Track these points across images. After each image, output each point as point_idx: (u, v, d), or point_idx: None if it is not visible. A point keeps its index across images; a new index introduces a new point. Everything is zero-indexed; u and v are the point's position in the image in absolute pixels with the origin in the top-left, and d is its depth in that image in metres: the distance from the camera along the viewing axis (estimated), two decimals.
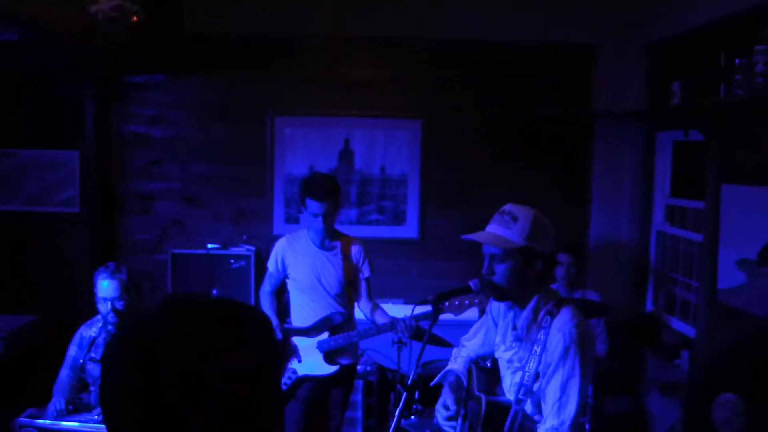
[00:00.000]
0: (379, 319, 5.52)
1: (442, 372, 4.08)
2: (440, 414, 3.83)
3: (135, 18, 5.49)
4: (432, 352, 5.96)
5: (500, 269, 3.49)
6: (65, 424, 5.04)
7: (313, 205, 5.30)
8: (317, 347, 5.49)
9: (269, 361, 1.41)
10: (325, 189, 5.34)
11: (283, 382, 5.53)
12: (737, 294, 5.31)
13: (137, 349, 1.31)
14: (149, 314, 1.38)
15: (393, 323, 5.34)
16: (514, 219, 3.48)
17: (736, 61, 4.90)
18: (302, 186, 5.41)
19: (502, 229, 3.48)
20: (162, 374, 1.27)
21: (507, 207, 3.55)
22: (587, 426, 5.73)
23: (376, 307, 5.65)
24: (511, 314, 3.68)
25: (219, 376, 1.29)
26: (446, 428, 3.84)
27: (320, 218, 5.34)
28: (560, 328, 3.44)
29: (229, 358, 1.31)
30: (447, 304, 4.77)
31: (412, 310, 4.81)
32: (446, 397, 3.83)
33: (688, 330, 6.28)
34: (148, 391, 1.27)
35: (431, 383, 4.15)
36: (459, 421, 3.77)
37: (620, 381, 6.72)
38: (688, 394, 5.16)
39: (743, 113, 5.22)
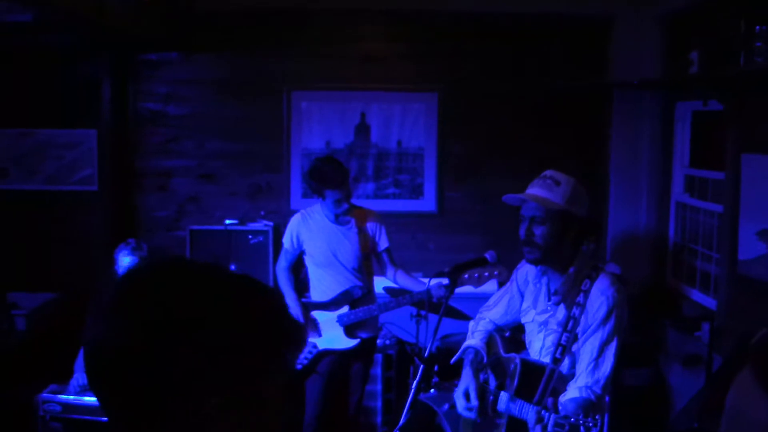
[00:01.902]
0: (408, 284, 5.53)
1: (461, 349, 4.08)
2: (459, 402, 3.83)
3: None
4: (451, 326, 5.97)
5: (540, 231, 3.54)
6: (88, 399, 5.08)
7: (334, 194, 5.33)
8: (337, 321, 5.51)
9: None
10: (342, 176, 5.38)
11: (303, 356, 5.56)
12: (758, 265, 5.27)
13: (131, 300, 1.29)
14: (151, 269, 1.38)
15: (430, 290, 5.25)
16: (557, 183, 3.55)
17: (756, 28, 4.84)
18: (316, 178, 5.39)
19: (545, 192, 3.54)
20: (153, 330, 1.25)
21: (548, 172, 3.63)
22: (607, 398, 5.72)
23: (402, 272, 5.66)
24: (545, 279, 3.70)
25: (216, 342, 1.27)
26: (465, 414, 3.85)
27: (343, 202, 5.38)
28: (603, 291, 3.49)
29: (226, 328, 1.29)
30: (466, 276, 4.79)
31: (428, 283, 4.81)
32: (468, 385, 3.83)
33: (709, 302, 6.24)
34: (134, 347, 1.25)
35: (452, 361, 4.15)
36: (476, 407, 3.76)
37: (640, 353, 6.70)
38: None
39: (764, 81, 5.16)
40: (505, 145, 7.49)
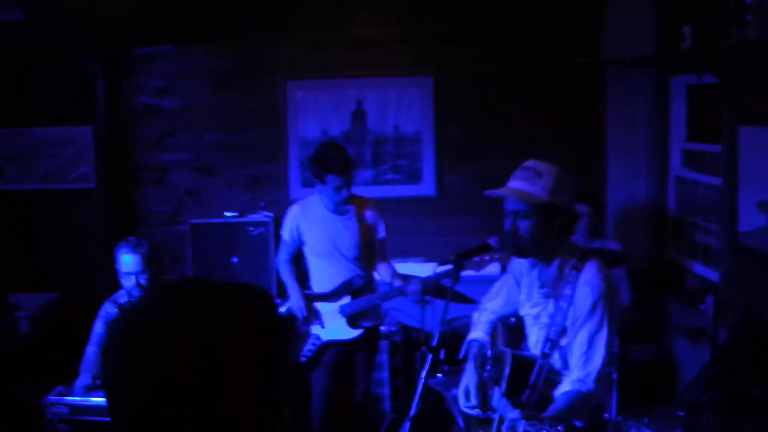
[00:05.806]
0: (393, 281, 5.53)
1: (465, 342, 4.08)
2: (460, 401, 3.84)
3: None
4: (455, 309, 5.94)
5: (524, 225, 3.50)
6: (95, 400, 5.07)
7: (336, 180, 5.27)
8: (340, 312, 5.50)
9: (274, 344, 1.40)
10: (345, 162, 5.33)
11: (307, 348, 5.55)
12: (759, 236, 5.27)
13: (133, 342, 1.31)
14: (145, 305, 1.39)
15: (402, 288, 5.35)
16: (539, 174, 3.48)
17: (747, 1, 4.82)
18: (318, 162, 5.34)
19: (527, 185, 3.48)
20: (158, 366, 1.27)
21: (530, 163, 3.55)
22: (614, 375, 5.73)
23: (388, 267, 5.64)
24: (535, 271, 3.68)
25: (220, 366, 1.28)
26: (467, 412, 3.87)
27: (343, 190, 5.32)
28: (588, 282, 3.45)
29: (229, 346, 1.30)
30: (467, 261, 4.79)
31: (434, 271, 4.81)
32: (469, 382, 3.84)
33: (711, 274, 6.24)
34: (146, 382, 1.27)
35: (459, 356, 4.15)
36: (477, 405, 3.78)
37: (644, 329, 6.70)
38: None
39: (757, 54, 5.14)
40: (502, 125, 7.47)
